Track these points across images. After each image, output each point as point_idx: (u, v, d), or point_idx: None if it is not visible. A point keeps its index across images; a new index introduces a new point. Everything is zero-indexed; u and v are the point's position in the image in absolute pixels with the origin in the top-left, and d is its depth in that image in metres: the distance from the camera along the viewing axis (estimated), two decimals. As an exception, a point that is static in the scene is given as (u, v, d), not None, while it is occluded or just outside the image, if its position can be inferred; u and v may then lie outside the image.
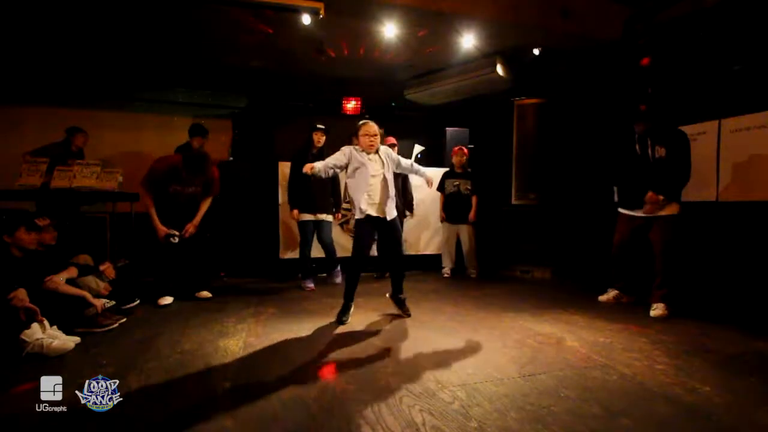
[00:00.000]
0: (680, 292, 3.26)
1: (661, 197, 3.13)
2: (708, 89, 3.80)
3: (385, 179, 2.90)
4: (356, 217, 2.92)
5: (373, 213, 2.88)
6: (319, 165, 2.80)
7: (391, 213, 2.93)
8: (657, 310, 3.11)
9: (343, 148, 2.97)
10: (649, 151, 3.23)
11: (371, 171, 2.86)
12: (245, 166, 4.92)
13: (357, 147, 2.94)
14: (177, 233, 3.36)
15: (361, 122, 2.97)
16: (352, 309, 3.00)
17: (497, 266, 5.08)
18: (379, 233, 3.06)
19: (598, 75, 4.87)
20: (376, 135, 2.92)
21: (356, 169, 2.88)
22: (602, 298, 3.55)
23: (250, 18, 4.12)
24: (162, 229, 3.32)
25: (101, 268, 3.12)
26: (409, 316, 3.06)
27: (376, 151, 2.94)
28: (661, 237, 3.19)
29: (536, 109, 5.03)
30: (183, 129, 4.68)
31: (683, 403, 1.75)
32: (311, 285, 4.02)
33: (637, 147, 3.30)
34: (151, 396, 1.78)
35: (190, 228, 3.45)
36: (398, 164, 3.09)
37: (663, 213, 3.18)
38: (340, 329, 2.74)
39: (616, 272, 3.54)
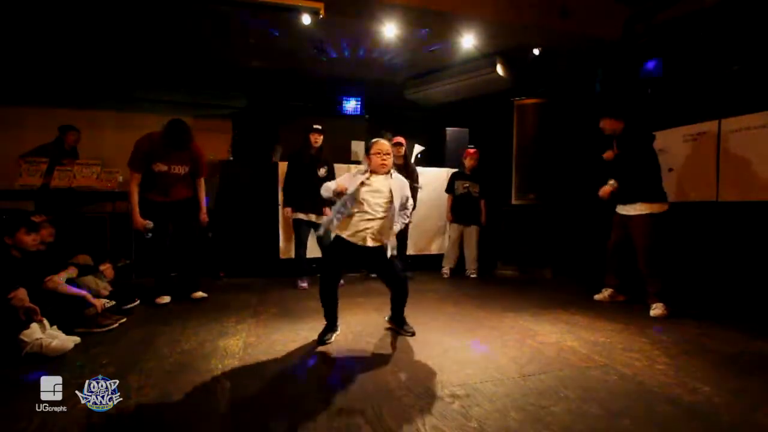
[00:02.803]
0: (680, 292, 3.26)
1: (612, 182, 3.35)
2: (708, 89, 3.80)
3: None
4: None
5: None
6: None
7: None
8: (657, 309, 3.12)
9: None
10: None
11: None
12: (245, 166, 4.92)
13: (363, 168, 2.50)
14: (152, 225, 3.18)
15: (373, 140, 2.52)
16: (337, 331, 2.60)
17: (497, 266, 5.07)
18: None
19: (598, 75, 4.87)
20: (389, 153, 2.48)
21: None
22: (598, 297, 3.56)
23: (250, 18, 4.13)
24: (139, 220, 3.13)
25: (101, 268, 3.12)
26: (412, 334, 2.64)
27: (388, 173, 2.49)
28: (638, 235, 3.24)
29: (536, 109, 5.02)
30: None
31: (683, 403, 1.75)
32: (304, 284, 4.02)
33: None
34: (150, 396, 1.78)
35: (203, 217, 3.46)
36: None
37: (637, 212, 3.24)
38: (341, 329, 2.72)
39: (611, 271, 3.55)
